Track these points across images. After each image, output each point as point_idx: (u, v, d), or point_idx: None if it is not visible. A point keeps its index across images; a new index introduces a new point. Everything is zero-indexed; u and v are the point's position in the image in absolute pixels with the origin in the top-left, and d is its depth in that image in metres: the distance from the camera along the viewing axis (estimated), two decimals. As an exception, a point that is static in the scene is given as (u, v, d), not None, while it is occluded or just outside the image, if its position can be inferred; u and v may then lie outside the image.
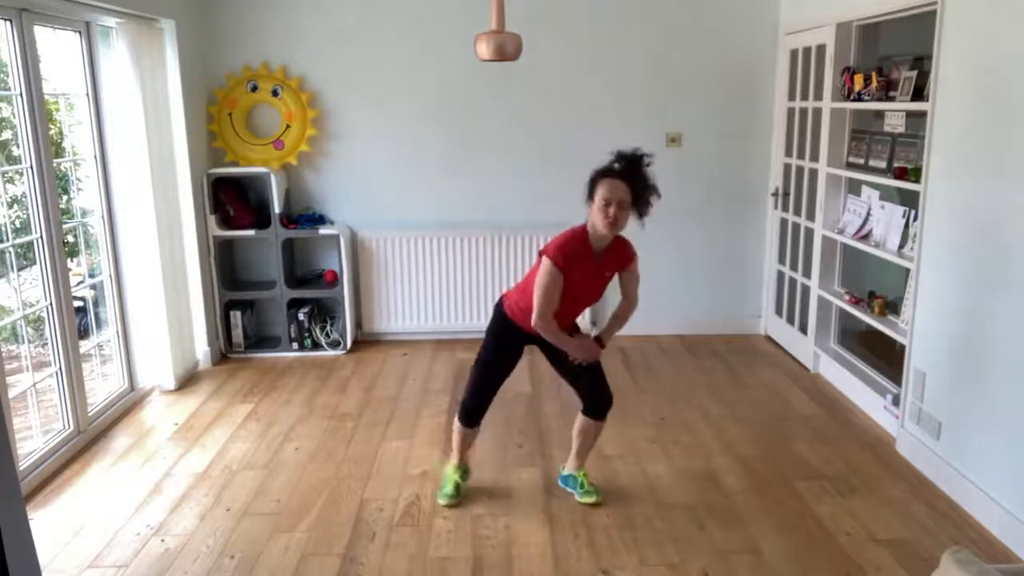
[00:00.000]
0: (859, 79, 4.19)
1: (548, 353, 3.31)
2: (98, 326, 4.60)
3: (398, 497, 3.45)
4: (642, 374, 4.92)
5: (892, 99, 3.95)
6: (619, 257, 3.18)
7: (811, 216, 4.87)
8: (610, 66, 5.32)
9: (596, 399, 3.30)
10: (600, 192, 2.97)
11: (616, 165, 3.03)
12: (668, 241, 5.56)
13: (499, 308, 3.32)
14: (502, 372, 3.30)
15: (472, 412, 3.32)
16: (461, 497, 3.40)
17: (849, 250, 4.65)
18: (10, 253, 3.74)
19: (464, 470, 3.47)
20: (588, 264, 3.08)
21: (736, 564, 2.93)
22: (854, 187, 4.54)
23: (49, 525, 3.26)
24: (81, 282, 4.53)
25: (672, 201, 5.49)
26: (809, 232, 4.92)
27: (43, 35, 3.84)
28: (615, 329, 3.28)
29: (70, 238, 4.24)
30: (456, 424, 3.39)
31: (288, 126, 5.24)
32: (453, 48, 5.14)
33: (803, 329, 5.04)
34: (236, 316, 5.32)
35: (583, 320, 3.33)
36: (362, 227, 5.46)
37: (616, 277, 3.25)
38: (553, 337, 3.11)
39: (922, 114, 3.64)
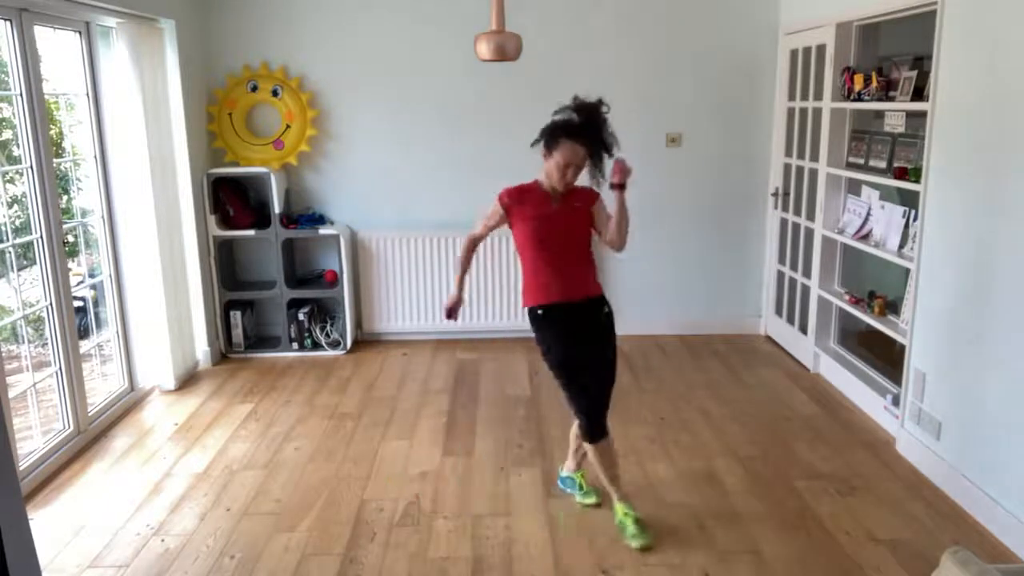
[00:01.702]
0: (859, 79, 4.19)
1: (583, 339, 3.11)
2: (98, 326, 4.60)
3: (398, 497, 3.45)
4: (642, 374, 4.92)
5: (892, 99, 3.95)
6: (584, 196, 3.12)
7: (811, 216, 4.87)
8: (610, 66, 5.32)
9: (590, 420, 3.07)
10: (560, 153, 2.97)
11: (575, 117, 2.98)
12: (668, 241, 5.57)
13: (528, 311, 3.18)
14: (576, 364, 3.04)
15: (590, 421, 3.04)
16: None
17: (849, 250, 4.65)
18: (10, 253, 3.74)
19: (624, 500, 3.16)
20: (540, 198, 3.09)
21: (736, 564, 2.93)
22: (854, 187, 4.54)
23: (49, 525, 3.26)
24: (81, 282, 4.53)
25: (672, 201, 5.56)
26: (809, 232, 4.92)
27: (43, 35, 3.84)
28: (618, 223, 3.07)
29: (70, 238, 4.24)
30: (587, 447, 3.10)
31: (288, 126, 5.24)
32: (453, 48, 5.14)
33: (803, 329, 5.04)
34: (236, 316, 5.32)
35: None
36: (362, 227, 5.46)
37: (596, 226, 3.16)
38: (462, 253, 3.27)
39: (922, 114, 3.64)
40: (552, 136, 3.00)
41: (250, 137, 5.25)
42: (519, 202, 3.11)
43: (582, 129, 2.96)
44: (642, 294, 5.65)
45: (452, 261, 5.45)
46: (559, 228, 3.09)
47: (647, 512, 3.28)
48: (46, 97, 3.81)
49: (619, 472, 3.19)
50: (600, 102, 3.02)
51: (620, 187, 3.02)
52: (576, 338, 3.09)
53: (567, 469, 3.47)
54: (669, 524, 3.20)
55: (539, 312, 3.12)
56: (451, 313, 3.29)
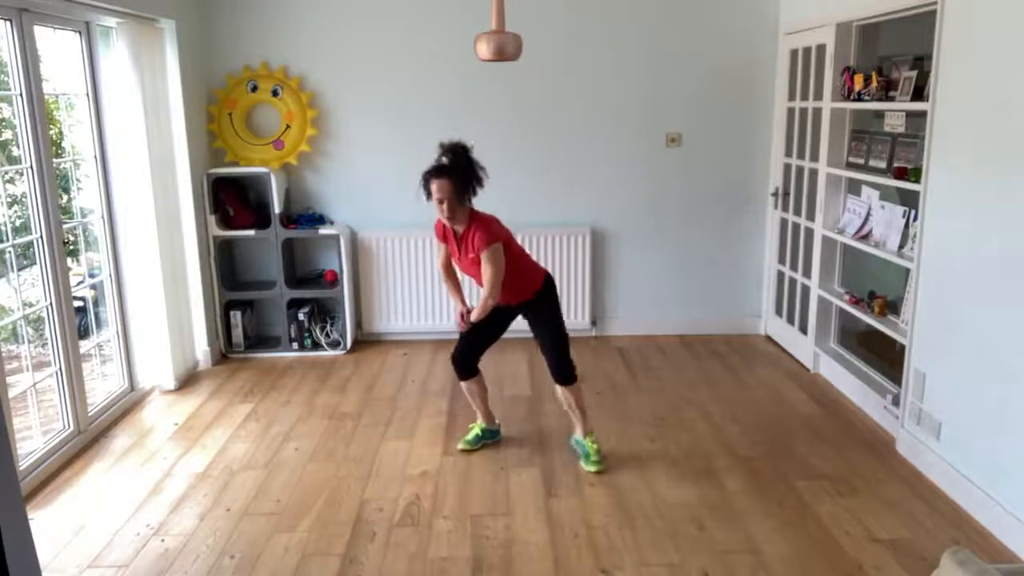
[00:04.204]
0: (859, 79, 4.19)
1: (528, 320, 3.72)
2: (98, 326, 4.60)
3: (398, 497, 3.45)
4: (642, 374, 4.92)
5: (892, 99, 3.95)
6: (473, 243, 3.48)
7: (811, 216, 4.87)
8: (610, 66, 5.32)
9: (551, 367, 3.68)
10: (432, 192, 3.42)
11: (444, 159, 3.43)
12: (668, 241, 5.57)
13: None
14: (476, 332, 3.71)
15: (456, 365, 3.82)
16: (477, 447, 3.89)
17: (849, 250, 4.65)
18: (10, 253, 3.74)
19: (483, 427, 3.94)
20: (452, 241, 3.59)
21: (736, 564, 2.93)
22: (854, 187, 4.54)
23: (49, 525, 3.26)
24: (81, 282, 4.53)
25: (672, 201, 5.56)
26: (809, 232, 4.92)
27: (43, 35, 3.84)
28: (476, 310, 3.59)
29: (70, 238, 4.24)
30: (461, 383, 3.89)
31: (288, 126, 5.24)
32: (453, 48, 5.14)
33: (803, 329, 5.04)
34: (236, 316, 5.32)
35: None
36: (362, 227, 5.46)
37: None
38: (444, 281, 3.83)
39: (922, 114, 3.64)
40: (424, 182, 3.45)
41: (250, 137, 5.25)
42: (443, 238, 3.64)
43: (447, 165, 3.42)
44: (642, 294, 5.65)
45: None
46: (466, 271, 3.63)
47: (646, 511, 3.29)
48: (46, 97, 3.81)
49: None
50: (459, 143, 3.47)
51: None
52: (492, 322, 3.68)
53: (576, 432, 3.76)
54: (669, 524, 3.20)
55: None
56: (463, 319, 3.66)
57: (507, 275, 3.51)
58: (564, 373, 3.65)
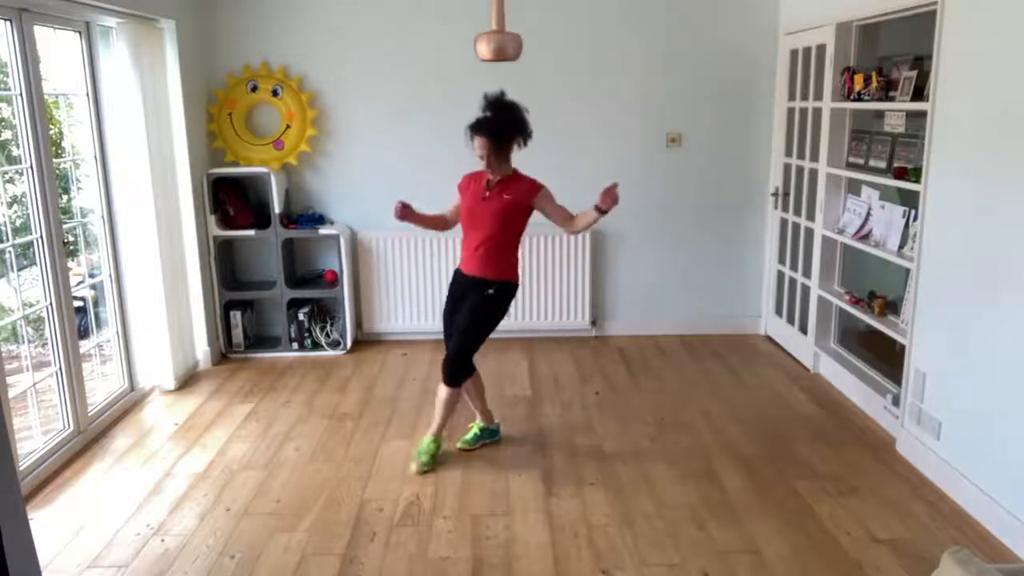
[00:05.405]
0: (859, 79, 4.19)
1: (458, 303, 3.71)
2: (98, 326, 4.60)
3: (398, 497, 3.45)
4: (642, 374, 4.92)
5: (892, 99, 3.95)
6: (521, 190, 3.59)
7: (811, 216, 4.87)
8: (610, 66, 5.32)
9: (446, 357, 3.68)
10: (474, 145, 3.50)
11: (487, 114, 3.49)
12: (668, 241, 5.57)
13: None
14: (446, 319, 3.77)
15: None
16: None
17: (849, 250, 4.65)
18: (10, 253, 3.74)
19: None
20: (479, 187, 3.61)
21: (736, 564, 2.93)
22: (854, 187, 4.54)
23: (49, 525, 3.26)
24: (81, 282, 4.53)
25: (672, 201, 5.56)
26: (809, 232, 4.92)
27: (43, 35, 3.84)
28: (585, 226, 3.63)
29: (70, 238, 4.24)
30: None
31: (288, 126, 5.24)
32: (453, 48, 5.14)
33: (803, 329, 5.04)
34: (236, 316, 5.32)
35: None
36: (362, 227, 5.46)
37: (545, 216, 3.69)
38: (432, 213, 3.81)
39: (922, 114, 3.64)
40: (469, 135, 3.52)
41: (250, 137, 5.25)
42: (466, 188, 3.69)
43: (482, 122, 3.48)
44: (642, 294, 5.65)
45: (452, 261, 5.45)
46: (477, 215, 3.60)
47: (646, 511, 3.29)
48: (46, 97, 3.81)
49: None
50: (501, 94, 3.53)
51: (602, 212, 3.47)
52: (454, 299, 3.72)
53: (432, 430, 3.78)
54: (669, 524, 3.20)
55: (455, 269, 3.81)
56: (404, 214, 3.60)
57: (499, 238, 3.58)
58: (451, 369, 3.64)
